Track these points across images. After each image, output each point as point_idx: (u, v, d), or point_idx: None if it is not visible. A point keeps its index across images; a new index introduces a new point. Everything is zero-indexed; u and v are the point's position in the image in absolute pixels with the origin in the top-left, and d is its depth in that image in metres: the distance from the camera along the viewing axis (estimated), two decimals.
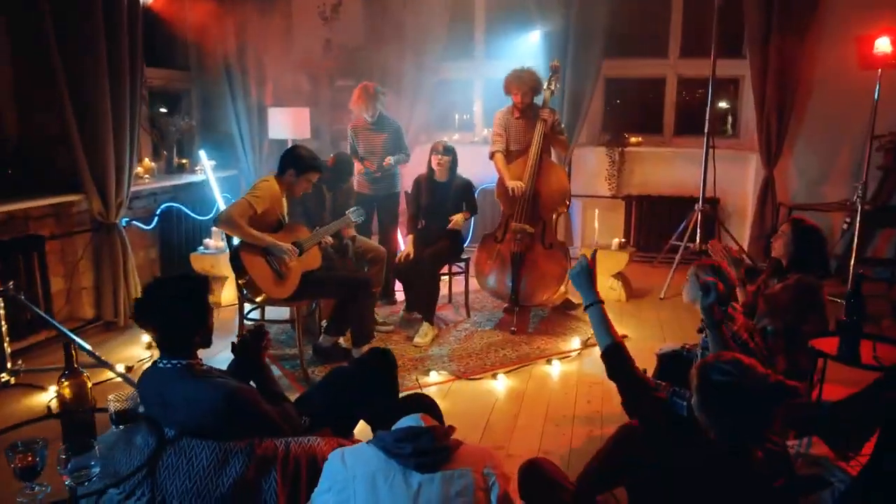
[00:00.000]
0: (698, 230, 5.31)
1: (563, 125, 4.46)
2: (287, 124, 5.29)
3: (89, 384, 1.69)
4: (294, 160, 3.44)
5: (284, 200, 3.56)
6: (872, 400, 2.36)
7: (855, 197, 4.35)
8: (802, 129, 5.49)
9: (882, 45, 4.01)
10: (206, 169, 5.05)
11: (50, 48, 3.61)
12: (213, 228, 4.49)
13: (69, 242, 4.08)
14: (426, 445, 1.60)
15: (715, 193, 5.43)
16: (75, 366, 1.65)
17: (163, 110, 5.22)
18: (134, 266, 4.24)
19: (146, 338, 3.89)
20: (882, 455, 2.10)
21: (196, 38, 5.26)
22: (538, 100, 4.34)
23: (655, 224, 5.94)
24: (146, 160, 4.82)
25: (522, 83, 4.23)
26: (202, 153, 5.08)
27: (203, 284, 2.06)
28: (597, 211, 5.40)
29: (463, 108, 6.60)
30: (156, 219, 4.70)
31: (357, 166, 4.45)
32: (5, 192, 3.76)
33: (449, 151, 4.19)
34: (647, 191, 6.00)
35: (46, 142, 3.97)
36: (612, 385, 2.00)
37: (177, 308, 1.97)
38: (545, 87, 4.31)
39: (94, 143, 3.89)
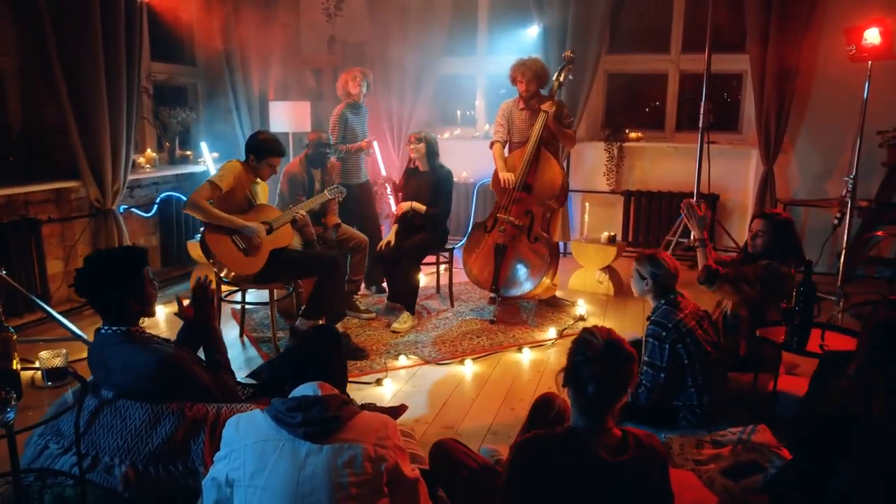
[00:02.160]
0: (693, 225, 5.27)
1: (571, 119, 4.42)
2: (288, 117, 5.44)
3: (14, 341, 1.81)
4: (254, 146, 3.53)
5: (257, 184, 3.66)
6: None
7: (844, 192, 4.26)
8: (804, 124, 5.40)
9: (871, 36, 3.93)
10: (206, 160, 5.23)
11: (47, 41, 3.81)
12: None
13: (68, 227, 4.29)
14: (316, 415, 1.62)
15: (710, 189, 5.38)
16: (4, 324, 1.78)
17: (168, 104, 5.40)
18: None
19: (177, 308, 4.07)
20: (801, 460, 2.10)
21: (201, 34, 5.44)
22: (546, 91, 4.36)
23: (654, 220, 5.90)
24: (148, 151, 5.01)
25: (527, 69, 4.20)
26: (203, 145, 5.26)
27: (135, 256, 2.17)
28: (587, 205, 5.43)
29: (466, 103, 6.65)
30: (155, 207, 4.89)
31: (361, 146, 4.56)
32: (8, 178, 3.98)
33: (422, 140, 4.24)
34: (647, 186, 5.96)
35: (48, 131, 4.18)
36: None
37: (107, 277, 2.09)
38: (553, 77, 4.31)
39: (90, 134, 4.08)
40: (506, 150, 4.44)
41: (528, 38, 5.90)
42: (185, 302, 2.52)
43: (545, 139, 4.25)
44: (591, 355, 1.69)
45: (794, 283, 3.01)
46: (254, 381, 2.57)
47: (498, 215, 4.32)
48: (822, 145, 5.38)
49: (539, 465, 1.68)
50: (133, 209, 4.73)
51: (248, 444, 1.64)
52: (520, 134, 4.38)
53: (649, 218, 5.92)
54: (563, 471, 1.63)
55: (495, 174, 4.38)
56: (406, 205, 4.30)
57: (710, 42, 4.98)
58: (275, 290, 3.70)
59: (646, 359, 2.69)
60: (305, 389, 1.73)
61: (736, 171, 5.72)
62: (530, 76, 4.21)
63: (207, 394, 2.17)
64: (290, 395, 1.74)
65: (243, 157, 3.58)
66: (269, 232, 3.52)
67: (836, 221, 4.34)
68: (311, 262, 3.66)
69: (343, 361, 2.63)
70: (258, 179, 3.67)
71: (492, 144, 4.43)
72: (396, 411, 2.87)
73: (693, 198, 5.29)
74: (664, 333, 2.64)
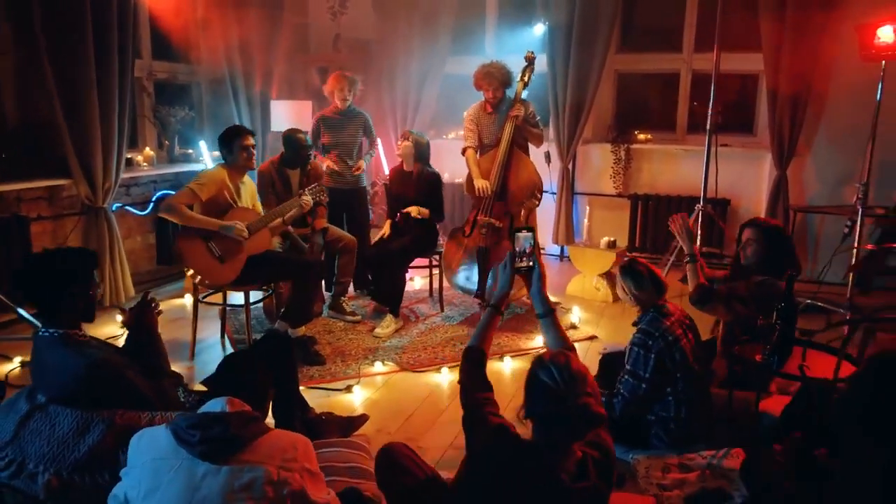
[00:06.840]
0: (699, 231, 5.08)
1: (538, 118, 4.33)
2: (289, 117, 5.40)
3: None
4: (222, 141, 3.50)
5: (244, 184, 3.62)
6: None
7: (854, 199, 4.03)
8: (822, 126, 5.14)
9: (884, 34, 3.70)
10: (206, 159, 5.23)
11: (37, 39, 3.82)
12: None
13: (60, 224, 4.32)
14: (216, 434, 1.55)
15: (719, 194, 5.17)
16: None
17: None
18: (122, 249, 4.42)
19: (121, 317, 4.07)
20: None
21: (204, 32, 5.43)
22: (511, 92, 4.25)
23: (662, 225, 5.66)
24: (147, 149, 5.03)
25: (493, 79, 4.15)
26: (202, 144, 5.26)
27: (86, 257, 2.14)
28: (587, 209, 5.26)
29: (473, 102, 6.52)
30: (151, 205, 4.91)
31: (325, 161, 4.47)
32: (0, 175, 4.02)
33: (409, 139, 4.14)
34: (655, 190, 5.76)
35: (43, 128, 4.20)
36: None
37: (54, 273, 2.06)
38: (517, 78, 4.21)
39: (80, 131, 4.08)
40: (477, 154, 4.34)
41: (535, 37, 5.76)
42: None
43: (515, 139, 4.15)
44: (569, 413, 1.56)
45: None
46: (204, 388, 2.51)
47: (477, 218, 4.21)
48: (842, 149, 5.10)
49: (500, 469, 1.60)
50: (128, 207, 4.74)
51: (146, 461, 1.58)
52: (489, 137, 4.29)
53: (657, 223, 5.72)
54: (522, 484, 1.56)
55: (468, 178, 4.28)
56: (413, 209, 4.13)
57: (718, 40, 4.79)
58: (251, 293, 3.64)
59: (628, 367, 2.56)
60: (214, 405, 1.65)
61: (749, 176, 5.49)
62: (496, 85, 4.14)
63: (143, 400, 2.12)
64: (198, 411, 1.68)
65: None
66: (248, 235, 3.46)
67: (846, 230, 4.11)
68: (284, 265, 3.61)
69: (290, 369, 2.58)
70: (244, 181, 3.62)
71: (464, 151, 4.33)
72: (355, 422, 2.80)
73: (700, 202, 5.10)
74: (650, 342, 2.51)
